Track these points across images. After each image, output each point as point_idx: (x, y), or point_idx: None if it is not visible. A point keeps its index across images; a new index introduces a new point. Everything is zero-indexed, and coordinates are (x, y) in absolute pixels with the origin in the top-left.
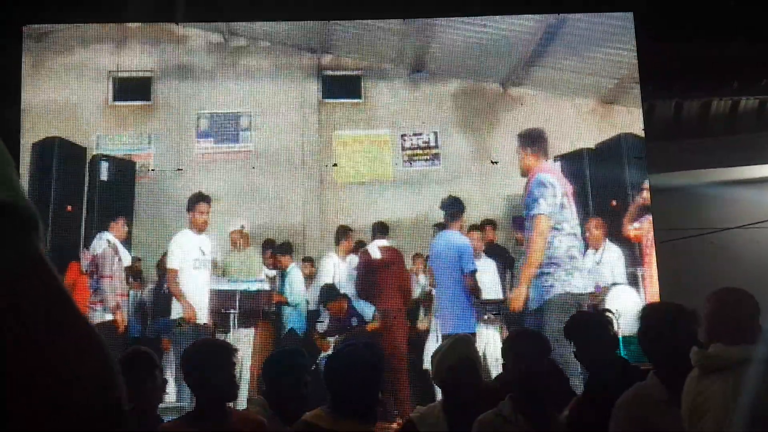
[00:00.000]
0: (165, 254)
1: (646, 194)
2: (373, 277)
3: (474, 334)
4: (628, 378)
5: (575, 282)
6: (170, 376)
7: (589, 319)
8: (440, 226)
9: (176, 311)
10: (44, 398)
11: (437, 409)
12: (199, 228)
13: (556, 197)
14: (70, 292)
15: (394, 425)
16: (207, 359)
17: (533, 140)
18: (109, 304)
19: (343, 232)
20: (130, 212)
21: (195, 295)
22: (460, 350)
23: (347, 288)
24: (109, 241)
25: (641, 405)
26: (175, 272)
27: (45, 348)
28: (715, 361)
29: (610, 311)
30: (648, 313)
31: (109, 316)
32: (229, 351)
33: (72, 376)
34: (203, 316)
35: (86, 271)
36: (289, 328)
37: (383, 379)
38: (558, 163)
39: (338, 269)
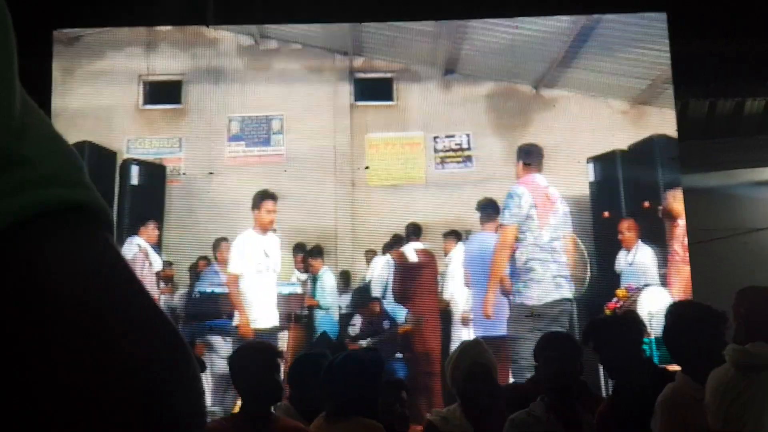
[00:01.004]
0: (201, 258)
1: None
2: (409, 280)
3: (505, 338)
4: (656, 380)
5: (530, 293)
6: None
7: (605, 323)
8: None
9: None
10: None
11: (458, 412)
12: (265, 227)
13: (521, 208)
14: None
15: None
16: (253, 362)
17: (526, 154)
18: None
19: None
20: (161, 216)
21: (257, 301)
22: (472, 356)
23: (379, 290)
24: (139, 246)
25: (680, 405)
26: (235, 277)
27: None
28: (757, 360)
29: (632, 312)
30: (675, 312)
31: None
32: (274, 353)
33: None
34: (268, 323)
35: None
36: (321, 332)
37: (380, 384)
38: (543, 176)
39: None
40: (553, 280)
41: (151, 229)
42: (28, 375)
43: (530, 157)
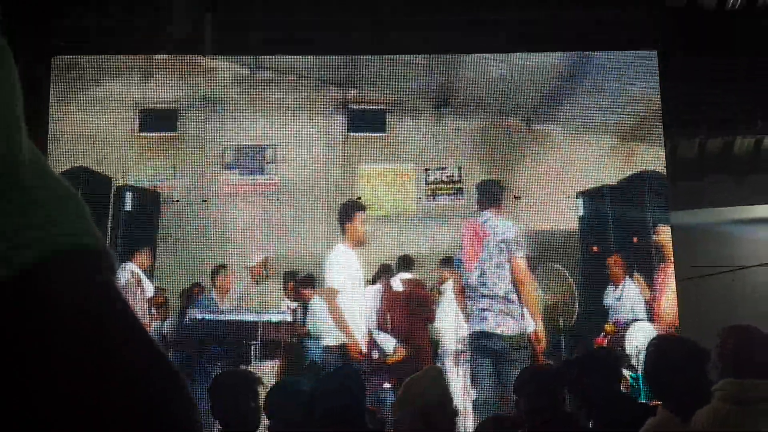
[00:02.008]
0: (195, 284)
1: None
2: (397, 310)
3: None
4: (636, 415)
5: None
6: None
7: (579, 361)
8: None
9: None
10: None
11: None
12: (359, 241)
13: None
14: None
15: None
16: (232, 389)
17: (483, 192)
18: None
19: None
20: (154, 243)
21: (353, 319)
22: (442, 384)
23: (371, 319)
24: (132, 272)
25: None
26: (336, 293)
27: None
28: (753, 394)
29: (605, 348)
30: (657, 347)
31: None
32: (254, 381)
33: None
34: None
35: None
36: (310, 360)
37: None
38: (492, 211)
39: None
40: (480, 313)
41: (144, 256)
42: (40, 389)
43: (486, 194)
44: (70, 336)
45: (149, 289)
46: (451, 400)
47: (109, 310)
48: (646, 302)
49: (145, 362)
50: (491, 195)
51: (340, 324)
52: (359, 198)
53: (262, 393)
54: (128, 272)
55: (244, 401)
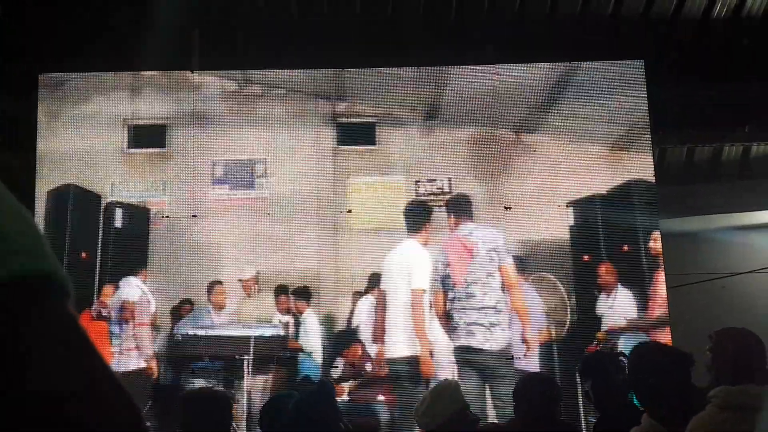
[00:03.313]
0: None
1: (655, 244)
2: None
3: None
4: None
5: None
6: None
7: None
8: None
9: None
10: None
11: None
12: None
13: (436, 271)
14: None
15: None
16: (205, 411)
17: (454, 205)
18: (146, 351)
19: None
20: (144, 259)
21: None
22: (456, 398)
23: (366, 331)
24: (141, 289)
25: None
26: (422, 293)
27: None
28: (750, 401)
29: (624, 354)
30: (640, 354)
31: (143, 364)
32: (219, 400)
33: None
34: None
35: (114, 316)
36: (304, 375)
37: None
38: (469, 224)
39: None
40: (466, 327)
41: (146, 272)
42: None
43: (459, 208)
44: (23, 358)
45: (153, 305)
46: (469, 406)
47: (62, 333)
48: (638, 310)
49: (95, 384)
50: (462, 209)
51: (421, 332)
52: (349, 211)
53: (238, 410)
54: (137, 288)
55: (214, 424)
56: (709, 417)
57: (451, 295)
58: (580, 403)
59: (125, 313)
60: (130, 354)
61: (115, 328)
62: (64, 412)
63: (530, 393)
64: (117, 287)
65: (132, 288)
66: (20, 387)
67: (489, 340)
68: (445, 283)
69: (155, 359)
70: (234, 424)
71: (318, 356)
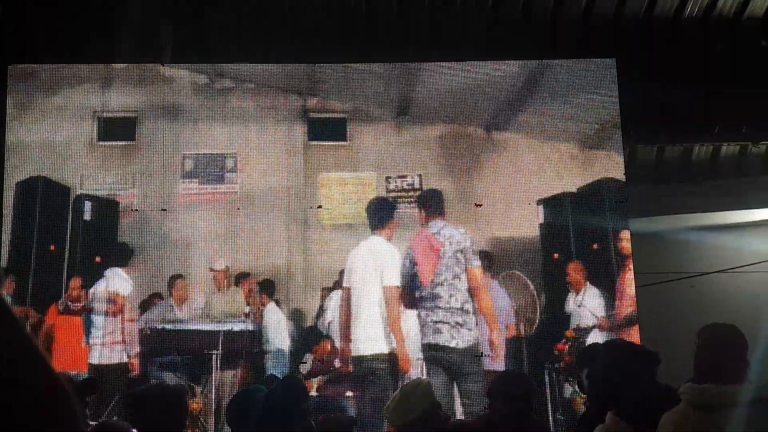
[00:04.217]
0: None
1: (624, 243)
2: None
3: None
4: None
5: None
6: None
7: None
8: None
9: None
10: None
11: None
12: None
13: (405, 267)
14: (34, 338)
15: None
16: (155, 409)
17: (425, 201)
18: (134, 348)
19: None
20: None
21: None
22: (428, 396)
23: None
24: (130, 282)
25: None
26: (398, 291)
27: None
28: (716, 401)
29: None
30: (605, 352)
31: (126, 359)
32: (179, 398)
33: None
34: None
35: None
36: (269, 374)
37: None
38: (440, 221)
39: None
40: (433, 325)
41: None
42: None
43: (429, 203)
44: None
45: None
46: (440, 404)
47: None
48: (607, 308)
49: (25, 372)
50: (434, 204)
51: (397, 329)
52: (320, 207)
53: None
54: (126, 281)
55: (158, 421)
56: (683, 416)
57: (418, 293)
58: (548, 400)
59: (114, 306)
60: (113, 348)
61: (97, 321)
62: None
63: (506, 390)
64: (86, 281)
65: (125, 282)
66: None
67: (455, 338)
68: (413, 281)
69: (139, 355)
70: (200, 418)
71: (282, 350)
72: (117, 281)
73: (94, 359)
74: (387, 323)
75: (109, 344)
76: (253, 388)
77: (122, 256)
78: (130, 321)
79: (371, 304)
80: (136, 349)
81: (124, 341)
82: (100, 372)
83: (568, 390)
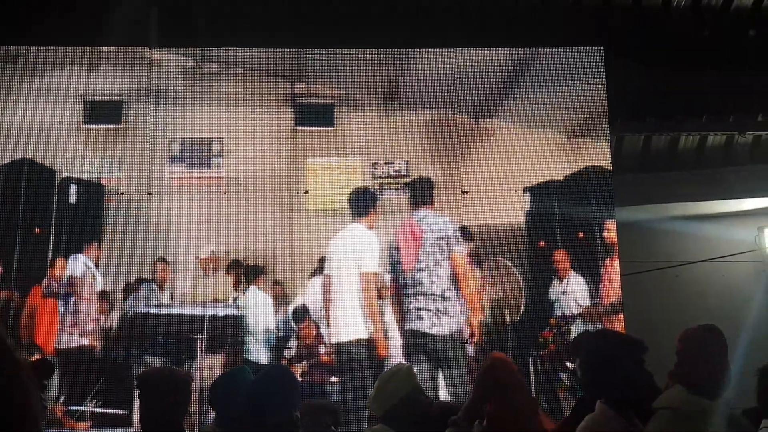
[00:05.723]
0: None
1: (607, 232)
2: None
3: None
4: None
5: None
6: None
7: (592, 336)
8: None
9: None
10: None
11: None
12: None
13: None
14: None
15: None
16: (165, 391)
17: (413, 189)
18: (84, 329)
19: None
20: (98, 236)
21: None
22: (411, 381)
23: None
24: (86, 265)
25: None
26: (375, 278)
27: None
28: (697, 407)
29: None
30: (591, 341)
31: (84, 341)
32: (187, 384)
33: None
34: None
35: (60, 292)
36: (245, 359)
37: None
38: (426, 210)
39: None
40: (415, 312)
41: (95, 248)
42: None
43: (417, 191)
44: None
45: (99, 282)
46: (422, 389)
47: None
48: (591, 296)
49: None
50: (424, 192)
51: (374, 314)
52: (306, 192)
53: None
54: (82, 264)
55: (163, 401)
56: (667, 424)
57: (401, 280)
58: (533, 387)
59: (70, 288)
60: (71, 331)
61: (61, 306)
62: None
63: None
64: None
65: (78, 264)
66: None
67: (437, 325)
68: (396, 267)
69: (96, 336)
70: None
71: (263, 334)
72: (73, 264)
73: (60, 343)
74: (365, 309)
75: (67, 327)
76: (238, 370)
77: (78, 241)
78: (81, 300)
79: (350, 291)
80: (88, 329)
81: (76, 324)
82: (64, 356)
83: (554, 378)
